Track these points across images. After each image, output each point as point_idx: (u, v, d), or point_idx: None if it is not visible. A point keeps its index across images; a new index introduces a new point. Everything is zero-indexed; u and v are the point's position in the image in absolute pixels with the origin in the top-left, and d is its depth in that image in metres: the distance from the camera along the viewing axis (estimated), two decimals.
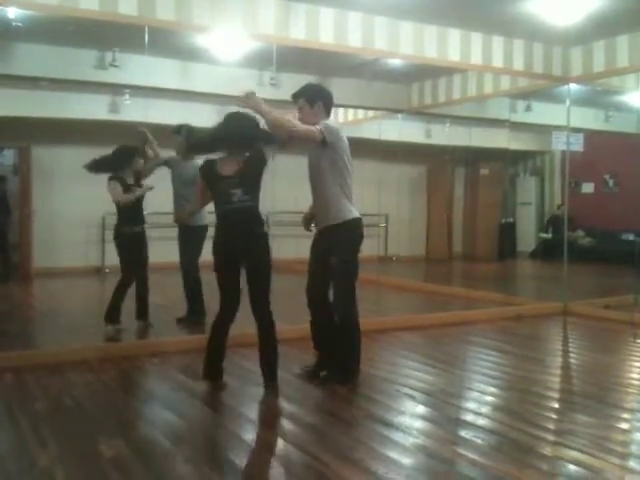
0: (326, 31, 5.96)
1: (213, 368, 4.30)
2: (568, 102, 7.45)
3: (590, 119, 10.29)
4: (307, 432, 3.55)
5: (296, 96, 4.48)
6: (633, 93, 8.70)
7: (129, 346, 5.34)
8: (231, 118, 4.29)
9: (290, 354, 4.93)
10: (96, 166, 5.86)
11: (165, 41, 6.59)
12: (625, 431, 3.61)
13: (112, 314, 5.82)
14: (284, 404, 4.03)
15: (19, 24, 6.05)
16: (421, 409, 3.97)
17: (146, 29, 5.66)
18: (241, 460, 3.15)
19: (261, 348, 4.28)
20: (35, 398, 4.07)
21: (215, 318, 4.32)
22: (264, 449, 3.30)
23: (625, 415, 3.87)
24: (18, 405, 3.91)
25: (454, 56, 6.65)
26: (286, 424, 3.71)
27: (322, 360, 4.55)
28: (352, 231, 4.41)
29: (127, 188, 5.87)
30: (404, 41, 6.36)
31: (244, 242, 4.19)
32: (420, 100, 9.30)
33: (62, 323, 6.72)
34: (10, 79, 7.96)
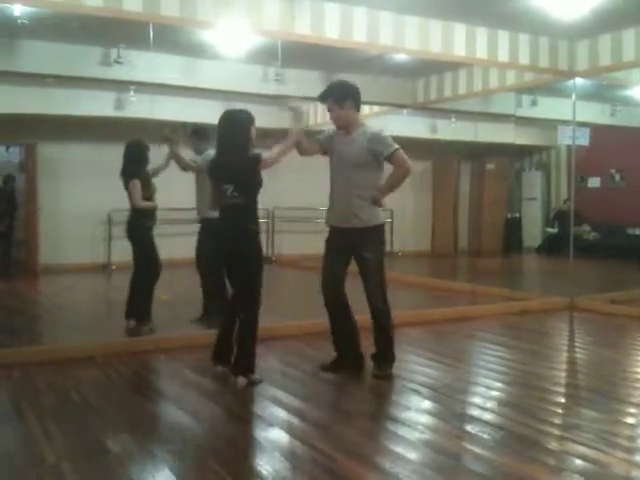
0: (331, 26, 5.94)
1: (215, 352, 4.40)
2: (574, 96, 7.41)
3: (596, 113, 10.26)
4: (314, 428, 3.56)
5: (323, 97, 4.47)
6: (639, 87, 8.69)
7: (136, 342, 5.35)
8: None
9: (296, 350, 4.94)
10: (126, 172, 5.79)
11: (170, 37, 6.59)
12: (631, 426, 3.60)
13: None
14: (291, 400, 4.03)
15: (25, 21, 6.08)
16: (427, 404, 3.97)
17: (151, 25, 5.67)
18: (249, 456, 3.15)
19: (238, 340, 4.31)
20: (42, 394, 4.09)
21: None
22: (272, 445, 3.31)
23: (631, 410, 3.86)
24: (25, 401, 3.93)
25: (459, 51, 6.62)
26: (293, 420, 3.72)
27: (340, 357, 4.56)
28: None
29: (146, 184, 5.83)
30: (409, 36, 6.34)
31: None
32: (425, 95, 9.28)
33: (68, 319, 6.75)
34: (16, 76, 8.00)
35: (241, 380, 4.18)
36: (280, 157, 4.30)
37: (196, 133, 6.05)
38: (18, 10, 5.88)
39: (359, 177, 4.37)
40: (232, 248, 4.26)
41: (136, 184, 5.70)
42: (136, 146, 5.86)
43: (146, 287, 5.89)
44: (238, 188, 4.19)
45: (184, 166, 5.85)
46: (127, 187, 5.75)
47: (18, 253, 10.21)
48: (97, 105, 9.10)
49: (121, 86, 8.64)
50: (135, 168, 5.76)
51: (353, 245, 4.40)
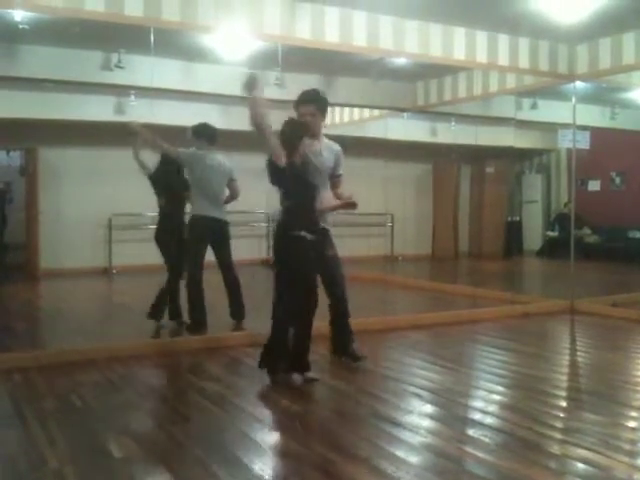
0: (331, 30, 5.95)
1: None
2: (574, 100, 7.42)
3: (596, 116, 10.27)
4: (315, 431, 3.56)
5: (309, 101, 4.60)
6: (639, 90, 8.70)
7: (136, 346, 5.34)
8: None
9: None
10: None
11: (170, 42, 6.60)
12: (633, 429, 3.60)
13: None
14: (291, 403, 4.03)
15: (25, 26, 6.09)
16: (428, 408, 3.97)
17: (151, 30, 5.67)
18: (250, 459, 3.15)
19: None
20: (44, 398, 4.09)
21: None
22: (272, 448, 3.31)
23: (633, 413, 3.86)
24: (27, 405, 3.93)
25: (459, 54, 6.63)
26: (293, 423, 3.72)
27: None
28: None
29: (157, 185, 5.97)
30: (409, 40, 6.35)
31: None
32: (426, 99, 9.30)
33: (69, 323, 6.74)
34: (16, 81, 8.01)
35: (297, 377, 4.30)
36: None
37: (195, 133, 6.05)
38: (19, 15, 5.89)
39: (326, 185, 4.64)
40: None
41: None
42: None
43: (165, 287, 6.05)
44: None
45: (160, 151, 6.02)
46: None
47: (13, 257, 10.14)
48: (98, 110, 9.11)
49: (122, 91, 8.65)
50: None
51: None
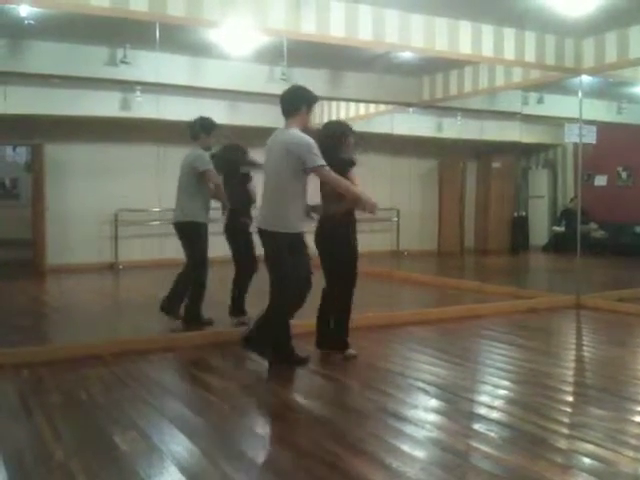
0: (337, 25, 5.94)
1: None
2: (580, 94, 7.39)
3: (603, 111, 10.22)
4: (320, 425, 3.56)
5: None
6: None
7: (143, 341, 5.36)
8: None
9: (300, 348, 4.93)
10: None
11: (176, 37, 6.60)
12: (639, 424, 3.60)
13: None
14: (297, 397, 4.04)
15: (31, 22, 6.10)
16: (434, 403, 3.97)
17: (157, 25, 5.68)
18: (255, 453, 3.16)
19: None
20: (50, 392, 4.11)
21: None
22: (277, 442, 3.31)
23: (639, 408, 3.85)
24: (34, 399, 3.95)
25: (465, 48, 6.61)
26: (299, 417, 3.72)
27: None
28: None
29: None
30: (415, 34, 6.33)
31: None
32: (431, 93, 9.27)
33: (77, 319, 6.77)
34: (22, 77, 8.03)
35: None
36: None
37: (204, 128, 5.99)
38: (25, 11, 5.90)
39: None
40: None
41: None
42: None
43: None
44: None
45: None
46: None
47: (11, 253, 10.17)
48: (103, 105, 9.12)
49: (127, 86, 8.66)
50: None
51: None
